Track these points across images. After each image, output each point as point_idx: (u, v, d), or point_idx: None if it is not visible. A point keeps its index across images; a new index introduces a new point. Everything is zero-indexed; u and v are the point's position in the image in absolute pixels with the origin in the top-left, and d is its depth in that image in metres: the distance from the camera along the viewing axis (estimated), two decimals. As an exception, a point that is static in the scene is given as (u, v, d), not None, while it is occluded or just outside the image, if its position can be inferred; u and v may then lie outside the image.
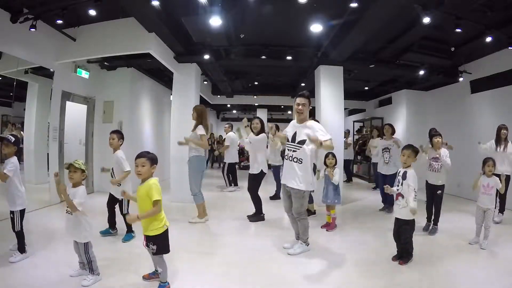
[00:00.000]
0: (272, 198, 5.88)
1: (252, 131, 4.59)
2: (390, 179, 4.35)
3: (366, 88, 8.90)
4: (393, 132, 5.21)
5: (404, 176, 2.93)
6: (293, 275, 2.72)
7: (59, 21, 4.40)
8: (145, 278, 2.48)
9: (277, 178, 5.71)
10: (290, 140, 3.15)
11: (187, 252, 3.18)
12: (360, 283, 2.59)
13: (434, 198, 3.86)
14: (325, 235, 3.82)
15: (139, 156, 2.29)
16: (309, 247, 3.25)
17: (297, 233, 3.34)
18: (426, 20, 3.58)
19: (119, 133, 3.53)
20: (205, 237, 3.78)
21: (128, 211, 3.37)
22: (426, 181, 3.94)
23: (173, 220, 4.35)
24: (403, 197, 2.89)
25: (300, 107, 3.10)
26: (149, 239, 2.25)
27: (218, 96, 10.01)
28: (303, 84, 8.09)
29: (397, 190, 2.95)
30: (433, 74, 6.21)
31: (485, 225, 3.41)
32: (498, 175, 3.50)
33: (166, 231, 2.30)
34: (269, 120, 13.79)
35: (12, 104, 4.76)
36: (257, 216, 4.46)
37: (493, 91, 5.69)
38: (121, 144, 3.51)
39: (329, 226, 4.03)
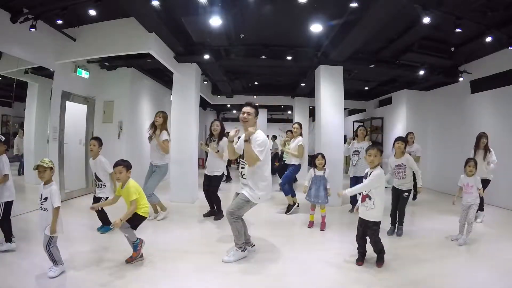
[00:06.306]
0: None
1: (213, 134, 4.52)
2: None
3: (366, 88, 8.90)
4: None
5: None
6: (294, 274, 2.71)
7: (59, 21, 4.41)
8: (128, 262, 2.77)
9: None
10: (242, 157, 2.99)
11: (187, 252, 3.18)
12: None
13: (398, 200, 3.76)
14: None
15: (116, 164, 2.78)
16: (246, 253, 3.02)
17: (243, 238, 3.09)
18: (426, 20, 3.58)
19: (99, 140, 3.80)
20: (205, 237, 3.77)
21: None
22: (393, 185, 3.87)
23: (173, 220, 4.38)
24: (370, 198, 2.75)
25: (245, 115, 2.98)
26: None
27: (218, 96, 10.01)
28: (303, 84, 8.09)
29: (365, 192, 2.80)
30: (433, 74, 6.21)
31: (467, 220, 3.43)
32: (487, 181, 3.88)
33: (144, 218, 2.88)
34: (269, 120, 13.77)
35: (12, 104, 4.76)
36: (220, 214, 4.50)
37: (493, 91, 5.70)
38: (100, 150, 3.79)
39: (321, 225, 4.03)
